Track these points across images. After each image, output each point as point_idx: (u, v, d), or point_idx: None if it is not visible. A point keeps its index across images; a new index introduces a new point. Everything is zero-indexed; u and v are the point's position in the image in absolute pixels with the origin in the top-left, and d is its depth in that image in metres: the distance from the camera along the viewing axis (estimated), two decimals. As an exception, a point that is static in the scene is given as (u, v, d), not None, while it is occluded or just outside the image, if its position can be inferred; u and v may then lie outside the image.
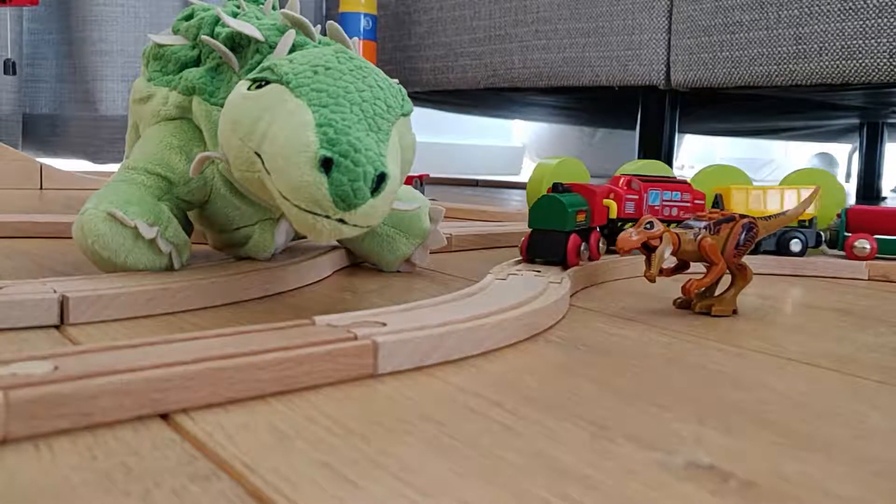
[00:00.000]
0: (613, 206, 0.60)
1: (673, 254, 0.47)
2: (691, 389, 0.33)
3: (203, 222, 0.55)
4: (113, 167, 1.49)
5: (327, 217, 0.42)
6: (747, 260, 0.54)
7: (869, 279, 0.65)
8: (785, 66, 1.03)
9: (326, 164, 0.41)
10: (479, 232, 0.75)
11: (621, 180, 0.63)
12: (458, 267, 0.63)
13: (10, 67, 1.16)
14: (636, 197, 0.62)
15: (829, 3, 0.98)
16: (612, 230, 0.61)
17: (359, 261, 0.61)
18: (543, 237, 0.53)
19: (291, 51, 0.48)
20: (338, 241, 0.59)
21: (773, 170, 3.67)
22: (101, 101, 1.47)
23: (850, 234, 0.67)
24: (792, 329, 0.45)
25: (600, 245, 0.58)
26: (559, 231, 0.52)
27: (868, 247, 0.65)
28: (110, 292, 0.40)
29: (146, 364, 0.27)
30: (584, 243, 0.54)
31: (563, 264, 0.52)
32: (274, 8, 0.56)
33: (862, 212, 0.67)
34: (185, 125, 0.53)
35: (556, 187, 0.53)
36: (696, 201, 0.66)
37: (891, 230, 0.66)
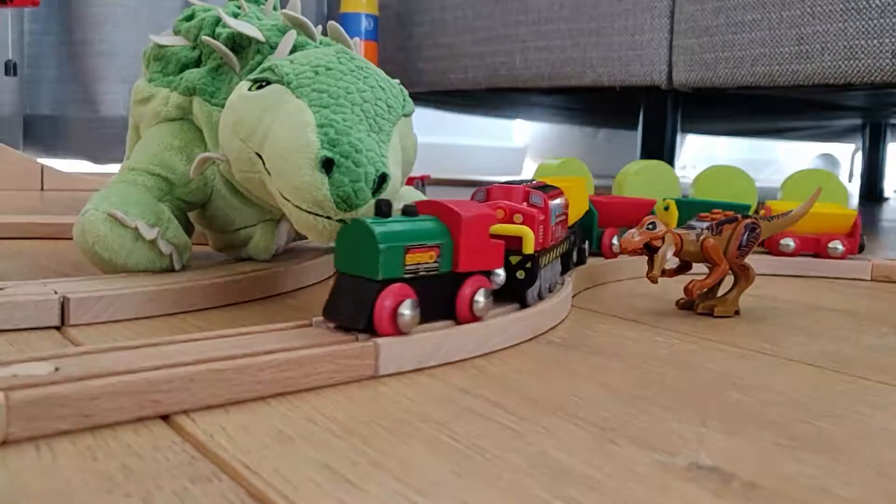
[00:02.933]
0: (528, 235, 0.39)
1: (675, 255, 0.47)
2: (693, 390, 0.33)
3: (204, 223, 0.55)
4: (114, 168, 1.49)
5: (328, 218, 0.42)
6: (749, 260, 0.54)
7: (871, 279, 0.65)
8: (787, 67, 1.03)
9: (327, 165, 0.41)
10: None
11: (513, 193, 0.43)
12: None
13: (11, 68, 1.16)
14: (543, 216, 0.41)
15: (831, 4, 0.98)
16: (527, 272, 0.40)
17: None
18: (347, 287, 0.34)
19: (292, 51, 0.48)
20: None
21: (775, 170, 3.67)
22: (101, 102, 1.47)
23: (603, 229, 0.61)
24: (794, 330, 0.45)
25: (477, 303, 0.36)
26: (367, 280, 0.33)
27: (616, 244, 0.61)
28: (111, 293, 0.40)
29: (147, 365, 0.27)
30: (420, 302, 0.34)
31: (370, 332, 0.33)
32: (275, 8, 0.56)
33: (607, 203, 0.61)
34: (185, 126, 0.53)
35: (408, 210, 0.36)
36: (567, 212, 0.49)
37: (636, 221, 0.62)
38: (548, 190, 0.45)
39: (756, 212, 0.67)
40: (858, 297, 0.57)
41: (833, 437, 0.28)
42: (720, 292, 0.49)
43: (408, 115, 0.47)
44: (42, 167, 1.20)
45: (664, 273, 0.48)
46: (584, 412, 0.29)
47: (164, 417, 0.27)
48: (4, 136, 1.37)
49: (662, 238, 0.46)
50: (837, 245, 0.65)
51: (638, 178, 0.72)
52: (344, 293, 0.34)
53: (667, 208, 0.65)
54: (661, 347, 0.40)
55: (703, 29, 1.12)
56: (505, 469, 0.24)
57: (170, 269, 0.47)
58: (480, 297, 0.36)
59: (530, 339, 0.40)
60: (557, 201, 0.45)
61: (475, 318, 0.36)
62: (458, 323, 0.36)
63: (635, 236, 0.45)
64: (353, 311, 0.33)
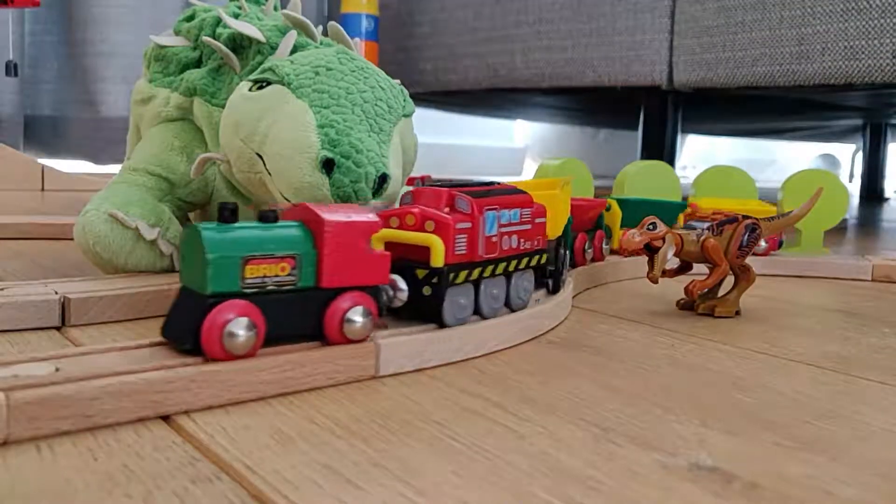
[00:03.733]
0: (437, 245, 0.35)
1: (676, 255, 0.47)
2: (694, 391, 0.33)
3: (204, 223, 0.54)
4: (114, 168, 1.49)
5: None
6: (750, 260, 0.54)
7: (872, 280, 0.65)
8: (787, 67, 1.03)
9: (328, 165, 0.41)
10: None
11: (435, 196, 0.38)
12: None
13: (11, 69, 1.16)
14: (469, 224, 0.36)
15: (831, 4, 0.98)
16: (434, 288, 0.35)
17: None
18: (184, 301, 0.30)
19: (293, 51, 0.48)
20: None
21: (776, 171, 3.66)
22: (102, 103, 1.47)
23: (575, 235, 0.57)
24: (795, 330, 0.45)
25: (351, 323, 0.31)
26: (198, 295, 0.29)
27: None
28: (112, 294, 0.40)
29: (147, 366, 0.27)
30: (269, 321, 0.30)
31: (199, 354, 0.29)
32: (276, 9, 0.56)
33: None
34: (186, 126, 0.53)
35: (265, 215, 0.31)
36: (538, 220, 0.41)
37: (589, 223, 0.60)
38: (498, 194, 0.39)
39: (682, 209, 0.66)
40: (859, 298, 0.56)
41: (834, 437, 0.28)
42: (721, 293, 0.49)
43: (408, 116, 0.47)
44: (43, 167, 1.20)
45: (665, 273, 0.48)
46: (584, 412, 0.29)
47: (165, 418, 0.27)
48: (5, 136, 1.37)
49: (663, 238, 0.46)
50: (761, 242, 0.64)
51: (638, 179, 0.72)
52: (180, 308, 0.30)
53: (608, 208, 0.61)
54: (662, 348, 0.40)
55: (704, 29, 1.12)
56: (505, 469, 0.24)
57: (170, 270, 0.47)
58: (357, 317, 0.31)
59: (531, 340, 0.40)
60: (511, 210, 0.39)
61: (348, 341, 0.31)
62: (328, 345, 0.31)
63: (636, 237, 0.45)
64: (182, 328, 0.29)
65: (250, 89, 0.44)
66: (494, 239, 0.38)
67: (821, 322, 0.48)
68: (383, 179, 0.42)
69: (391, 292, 0.34)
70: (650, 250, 0.46)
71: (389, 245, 0.36)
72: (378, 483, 0.22)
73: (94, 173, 1.40)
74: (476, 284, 0.37)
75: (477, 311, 0.37)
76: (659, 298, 0.53)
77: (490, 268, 0.38)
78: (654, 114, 1.31)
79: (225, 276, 0.29)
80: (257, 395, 0.29)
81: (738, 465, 0.25)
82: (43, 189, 1.20)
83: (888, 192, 2.21)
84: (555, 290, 0.45)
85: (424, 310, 0.35)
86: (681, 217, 0.66)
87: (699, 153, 3.53)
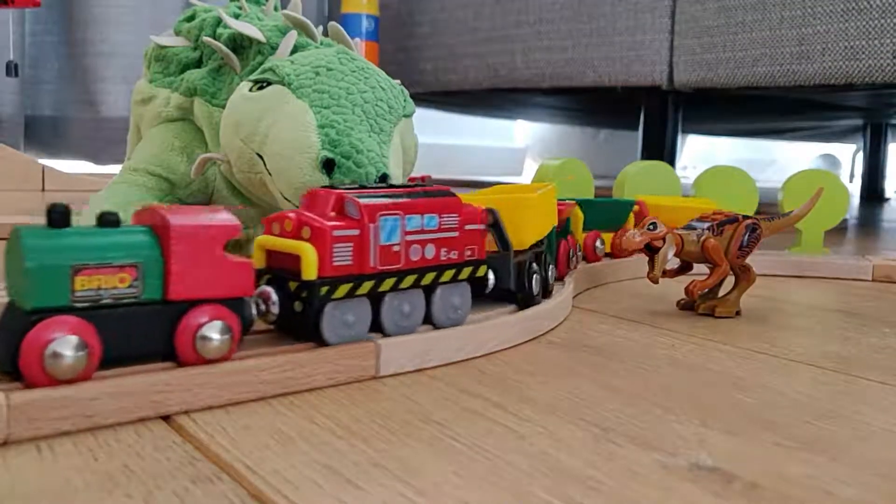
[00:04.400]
0: (308, 255, 0.30)
1: (676, 255, 0.47)
2: (694, 391, 0.33)
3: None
4: (114, 168, 1.49)
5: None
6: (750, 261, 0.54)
7: (872, 280, 0.65)
8: (788, 67, 1.03)
9: (328, 166, 0.41)
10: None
11: (324, 199, 0.33)
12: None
13: (12, 69, 1.16)
14: (355, 232, 0.32)
15: (832, 4, 0.98)
16: (305, 304, 0.31)
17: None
18: (7, 317, 0.26)
19: (293, 52, 0.48)
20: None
21: (777, 171, 3.67)
22: (102, 103, 1.47)
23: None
24: (795, 330, 0.45)
25: (206, 340, 0.28)
26: (19, 311, 0.25)
27: None
28: (112, 294, 0.40)
29: (148, 366, 0.27)
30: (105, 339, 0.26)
31: (19, 378, 0.25)
32: (276, 9, 0.56)
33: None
34: (186, 126, 0.53)
35: (104, 219, 0.27)
36: (470, 226, 0.36)
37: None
38: (413, 197, 0.34)
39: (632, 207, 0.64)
40: (859, 298, 0.56)
41: (834, 437, 0.28)
42: (721, 293, 0.49)
43: (408, 116, 0.47)
44: (43, 168, 1.20)
45: (665, 273, 0.48)
46: (584, 412, 0.29)
47: (165, 418, 0.27)
48: (5, 136, 1.37)
49: (663, 238, 0.46)
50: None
51: (639, 179, 0.72)
52: (3, 325, 0.26)
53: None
54: (662, 348, 0.40)
55: (704, 29, 1.12)
56: (506, 469, 0.24)
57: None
58: (213, 334, 0.28)
59: (531, 340, 0.40)
60: (425, 215, 0.34)
61: (205, 360, 0.28)
62: (181, 365, 0.28)
63: (636, 237, 0.45)
64: (2, 349, 0.25)
65: (251, 89, 0.44)
66: (396, 248, 0.33)
67: (821, 322, 0.48)
68: (383, 179, 0.42)
69: (262, 306, 0.31)
70: (650, 250, 0.46)
71: (272, 253, 0.32)
72: (378, 483, 0.22)
73: (95, 173, 1.40)
74: (376, 299, 0.33)
75: (379, 329, 0.33)
76: (659, 298, 0.53)
77: (391, 281, 0.33)
78: (655, 114, 1.31)
79: (49, 288, 0.25)
80: (257, 396, 0.29)
81: (738, 465, 0.25)
82: (43, 189, 1.20)
83: (888, 193, 2.21)
84: (526, 305, 0.40)
85: (296, 327, 0.31)
86: (631, 216, 0.64)
87: (699, 153, 3.53)
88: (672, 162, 1.28)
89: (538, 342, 0.40)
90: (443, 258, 0.35)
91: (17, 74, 1.20)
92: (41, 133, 1.52)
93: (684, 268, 0.50)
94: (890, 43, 0.93)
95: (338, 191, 0.33)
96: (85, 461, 0.23)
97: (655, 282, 0.46)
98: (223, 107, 0.49)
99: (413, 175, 1.00)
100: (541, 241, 0.45)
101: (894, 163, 2.36)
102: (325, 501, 0.21)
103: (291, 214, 0.32)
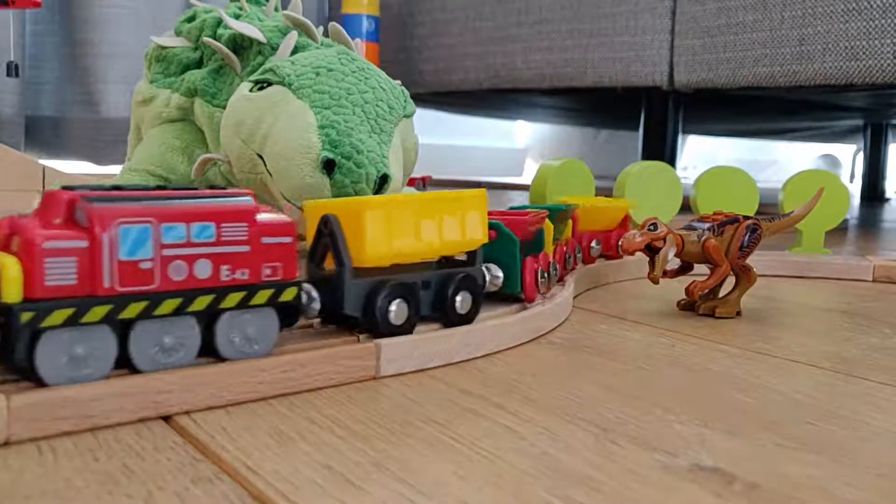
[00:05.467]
0: (9, 270, 0.25)
1: (676, 255, 0.47)
2: (695, 391, 0.32)
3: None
4: (115, 169, 1.49)
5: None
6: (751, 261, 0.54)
7: (873, 280, 0.65)
8: (788, 67, 1.03)
9: (329, 166, 0.41)
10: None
11: (55, 202, 0.27)
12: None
13: (12, 69, 1.16)
14: (83, 243, 0.26)
15: (832, 4, 0.98)
16: (3, 332, 0.25)
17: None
18: None
19: (294, 52, 0.48)
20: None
21: (777, 171, 3.66)
22: (103, 103, 1.47)
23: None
24: (796, 331, 0.45)
25: None
26: None
27: None
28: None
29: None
30: None
31: None
32: (276, 9, 0.56)
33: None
34: (187, 127, 0.53)
35: None
36: (269, 239, 0.30)
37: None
38: (181, 199, 0.28)
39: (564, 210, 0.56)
40: (860, 298, 0.56)
41: (834, 438, 0.28)
42: (722, 293, 0.49)
43: (409, 116, 0.47)
44: (43, 168, 1.20)
45: (665, 274, 0.48)
46: (585, 413, 0.29)
47: (166, 418, 0.27)
48: (6, 136, 1.37)
49: (664, 239, 0.46)
50: (596, 244, 0.58)
51: (639, 180, 0.72)
52: None
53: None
54: (663, 348, 0.40)
55: (705, 30, 1.12)
56: (506, 470, 0.24)
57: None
58: None
59: (531, 340, 0.40)
60: (194, 224, 0.28)
61: None
62: None
63: (637, 237, 0.45)
64: None
65: (251, 90, 0.44)
66: (147, 265, 0.27)
67: (822, 322, 0.48)
68: (384, 180, 0.42)
69: None
70: (651, 251, 0.46)
71: None
72: (378, 483, 0.22)
73: (95, 174, 1.40)
74: (123, 326, 0.27)
75: (129, 363, 0.27)
76: (660, 299, 0.53)
77: (138, 306, 0.27)
78: (655, 114, 1.31)
79: None
80: (258, 396, 0.29)
81: (738, 465, 0.25)
82: (43, 190, 1.20)
83: (889, 193, 2.21)
84: (378, 335, 0.33)
85: (7, 360, 0.26)
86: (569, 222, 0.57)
87: (700, 154, 3.53)
88: (672, 162, 1.28)
89: (539, 342, 0.40)
90: (225, 278, 0.29)
91: (17, 75, 1.19)
92: (41, 133, 1.52)
93: (685, 268, 0.50)
94: (890, 43, 0.93)
95: (74, 192, 0.27)
96: (85, 461, 0.23)
97: (656, 282, 0.46)
98: (224, 107, 0.49)
99: (413, 175, 1.00)
100: (451, 261, 0.38)
101: (895, 163, 2.36)
102: (325, 502, 0.21)
103: (4, 221, 0.26)
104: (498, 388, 0.32)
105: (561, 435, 0.27)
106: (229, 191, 0.29)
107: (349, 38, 0.50)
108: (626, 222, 0.63)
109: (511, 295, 0.41)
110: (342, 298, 0.32)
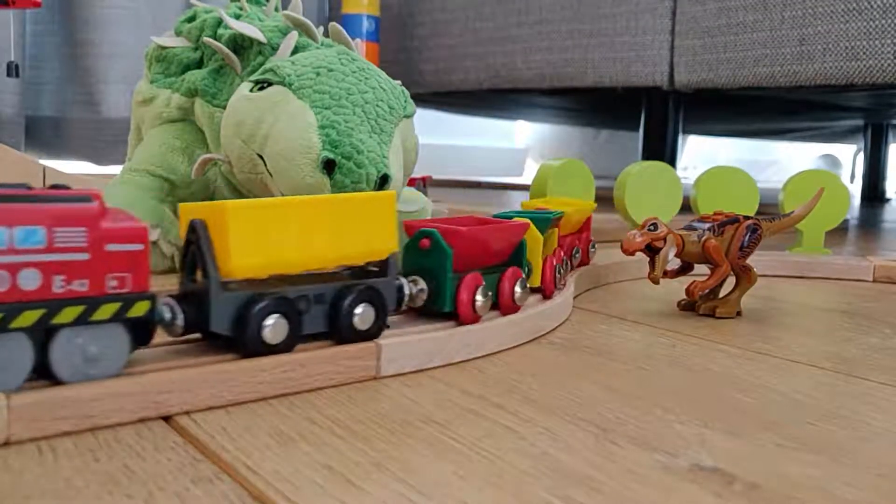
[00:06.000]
0: None
1: (677, 255, 0.47)
2: (695, 391, 0.32)
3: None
4: (115, 169, 1.49)
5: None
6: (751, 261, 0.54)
7: (873, 280, 0.65)
8: (789, 67, 1.03)
9: (329, 166, 0.41)
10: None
11: None
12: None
13: (13, 70, 1.16)
14: None
15: (833, 4, 0.98)
16: None
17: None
18: None
19: (294, 52, 0.48)
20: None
21: (777, 171, 3.67)
22: (103, 104, 1.47)
23: (459, 277, 0.39)
24: (796, 331, 0.45)
25: None
26: None
27: None
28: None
29: (148, 367, 0.27)
30: None
31: None
32: (276, 9, 0.56)
33: (458, 234, 0.37)
34: (187, 127, 0.53)
35: None
36: (115, 246, 0.26)
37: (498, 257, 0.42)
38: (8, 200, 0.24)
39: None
40: (860, 299, 0.56)
41: (835, 438, 0.28)
42: (722, 293, 0.49)
43: (409, 117, 0.47)
44: (44, 168, 1.20)
45: (666, 274, 0.48)
46: (585, 413, 0.29)
47: (166, 418, 0.27)
48: (6, 137, 1.37)
49: (664, 239, 0.46)
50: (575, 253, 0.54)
51: (639, 180, 0.72)
52: None
53: None
54: (663, 348, 0.40)
55: (705, 30, 1.12)
56: (506, 470, 0.24)
57: (172, 271, 0.47)
58: None
59: (531, 341, 0.40)
60: (17, 228, 0.24)
61: None
62: None
63: (637, 237, 0.45)
64: None
65: (251, 90, 0.44)
66: None
67: (822, 323, 0.48)
68: (384, 180, 0.42)
69: None
70: (651, 251, 0.46)
71: None
72: (379, 483, 0.22)
73: (96, 174, 1.40)
74: None
75: None
76: (660, 299, 0.53)
77: None
78: (655, 114, 1.31)
79: None
80: (258, 396, 0.29)
81: (738, 465, 0.25)
82: (44, 190, 1.20)
83: (889, 193, 2.21)
84: (252, 355, 0.29)
85: None
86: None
87: (700, 154, 3.53)
88: (673, 162, 1.28)
89: (539, 343, 0.40)
90: (59, 290, 0.25)
91: (17, 75, 1.20)
92: (42, 133, 1.52)
93: (685, 268, 0.50)
94: (891, 43, 0.93)
95: None
96: (86, 461, 0.23)
97: (656, 282, 0.46)
98: (224, 107, 0.49)
99: (414, 176, 1.00)
100: (368, 272, 0.34)
101: (895, 163, 2.36)
102: (325, 502, 0.21)
103: None
104: (498, 389, 0.32)
105: (561, 435, 0.27)
106: (71, 191, 0.26)
107: (349, 39, 0.50)
108: (588, 225, 0.57)
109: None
110: (209, 314, 0.29)
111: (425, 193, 1.00)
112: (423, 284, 0.35)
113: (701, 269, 0.49)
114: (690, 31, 1.14)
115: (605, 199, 0.80)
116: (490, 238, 0.38)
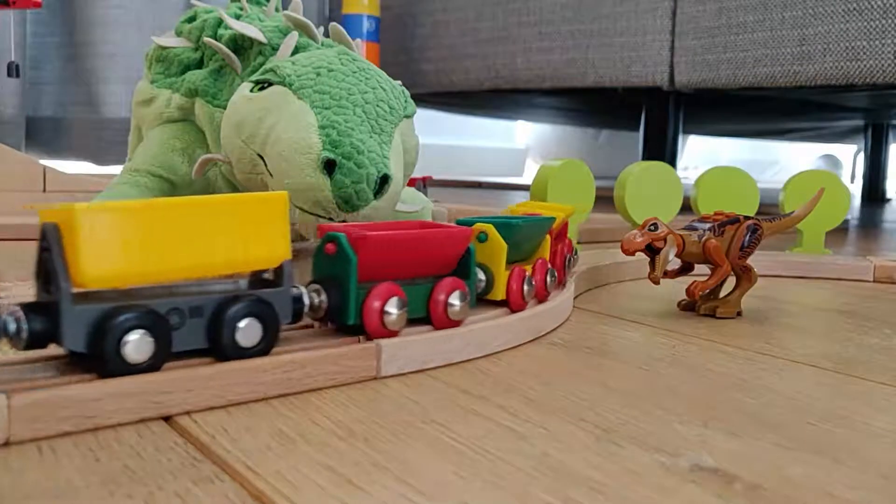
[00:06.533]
0: None
1: (677, 256, 0.47)
2: (695, 392, 0.32)
3: (206, 224, 0.55)
4: (116, 169, 1.49)
5: (330, 219, 0.42)
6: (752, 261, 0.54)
7: (874, 281, 0.65)
8: (789, 68, 1.03)
9: (329, 166, 0.41)
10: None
11: None
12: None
13: (13, 70, 1.16)
14: None
15: (833, 4, 0.98)
16: None
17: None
18: None
19: (294, 53, 0.48)
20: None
21: (778, 171, 3.67)
22: (104, 104, 1.47)
23: (367, 288, 0.35)
24: (796, 331, 0.45)
25: None
26: None
27: None
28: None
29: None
30: None
31: None
32: (277, 10, 0.56)
33: (369, 240, 0.33)
34: (187, 127, 0.53)
35: None
36: None
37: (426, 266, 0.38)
38: None
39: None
40: (860, 299, 0.56)
41: (836, 438, 0.28)
42: (722, 293, 0.49)
43: (409, 117, 0.47)
44: (44, 168, 1.20)
45: (666, 274, 0.48)
46: (585, 413, 0.29)
47: (167, 418, 0.27)
48: (7, 137, 1.37)
49: (664, 239, 0.46)
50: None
51: (640, 180, 0.72)
52: None
53: (484, 239, 0.39)
54: (663, 349, 0.40)
55: (705, 30, 1.12)
56: (507, 470, 0.24)
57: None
58: None
59: (532, 341, 0.40)
60: None
61: None
62: None
63: (637, 237, 0.45)
64: None
65: (252, 90, 0.44)
66: None
67: (822, 323, 0.48)
68: (384, 180, 0.42)
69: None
70: (652, 251, 0.46)
71: None
72: (379, 484, 0.22)
73: (96, 174, 1.41)
74: None
75: None
76: (660, 299, 0.53)
77: None
78: (656, 114, 1.31)
79: None
80: (259, 396, 0.29)
81: (739, 466, 0.25)
82: (45, 190, 1.20)
83: (889, 193, 2.21)
84: (107, 375, 0.26)
85: None
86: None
87: (700, 154, 3.52)
88: (673, 162, 1.28)
89: (539, 343, 0.40)
90: None
91: (18, 75, 1.20)
92: (42, 134, 1.52)
93: (685, 268, 0.50)
94: (891, 43, 0.93)
95: None
96: (86, 462, 0.23)
97: (657, 282, 0.46)
98: (224, 107, 0.49)
99: (414, 176, 1.00)
100: (263, 282, 0.32)
101: (895, 164, 2.36)
102: (326, 502, 0.21)
103: None
104: (499, 389, 0.32)
105: (561, 435, 0.27)
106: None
107: (350, 39, 0.50)
108: (565, 232, 0.49)
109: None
110: (59, 330, 0.26)
111: (425, 194, 1.00)
112: (322, 296, 0.32)
113: (701, 270, 0.49)
114: (691, 32, 1.14)
115: (605, 199, 0.80)
116: (411, 245, 0.33)
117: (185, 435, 0.26)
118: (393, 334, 0.33)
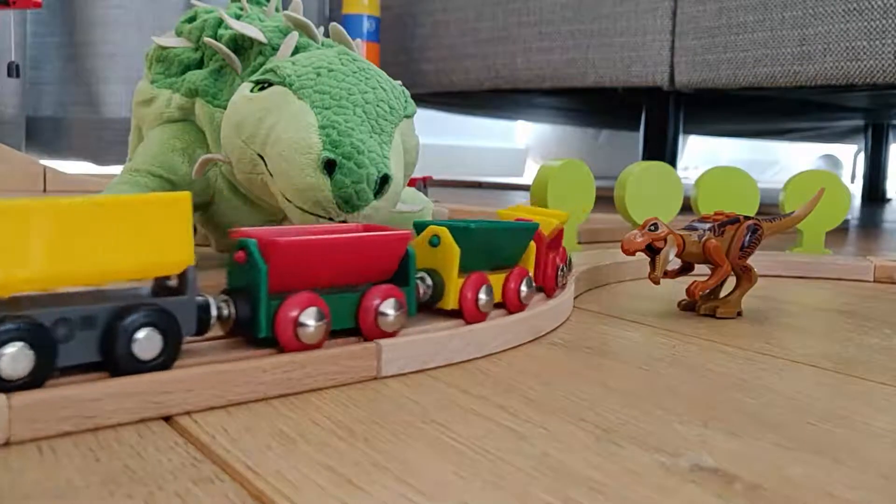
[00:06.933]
0: None
1: (677, 256, 0.47)
2: (696, 392, 0.32)
3: (206, 225, 0.55)
4: (116, 169, 1.49)
5: (330, 219, 0.42)
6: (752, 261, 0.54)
7: (874, 281, 0.65)
8: (789, 68, 1.03)
9: (329, 166, 0.41)
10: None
11: None
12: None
13: (13, 70, 1.16)
14: None
15: (833, 5, 0.98)
16: None
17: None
18: None
19: (294, 53, 0.48)
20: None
21: (778, 171, 3.66)
22: (104, 104, 1.47)
23: (279, 300, 0.33)
24: (797, 331, 0.45)
25: None
26: None
27: None
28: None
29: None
30: None
31: None
32: (277, 10, 0.56)
33: (290, 246, 0.32)
34: (187, 127, 0.53)
35: None
36: None
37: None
38: None
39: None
40: (861, 299, 0.56)
41: (836, 438, 0.28)
42: (722, 293, 0.49)
43: (409, 117, 0.47)
44: (45, 168, 1.20)
45: (666, 274, 0.48)
46: (586, 413, 0.29)
47: (167, 418, 0.27)
48: (7, 137, 1.37)
49: (664, 239, 0.46)
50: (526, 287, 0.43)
51: (640, 180, 0.72)
52: None
53: (436, 243, 0.37)
54: (664, 349, 0.40)
55: (705, 30, 1.12)
56: (507, 470, 0.24)
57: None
58: None
59: (532, 341, 0.40)
60: None
61: None
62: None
63: (637, 237, 0.45)
64: None
65: (252, 90, 0.44)
66: None
67: (822, 323, 0.48)
68: (385, 180, 0.42)
69: None
70: (652, 251, 0.46)
71: None
72: (379, 484, 0.22)
73: (96, 174, 1.41)
74: None
75: None
76: (660, 299, 0.53)
77: None
78: (656, 114, 1.31)
79: None
80: (259, 396, 0.29)
81: (739, 466, 0.25)
82: (45, 190, 1.20)
83: (890, 193, 2.21)
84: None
85: None
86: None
87: (701, 154, 3.52)
88: (673, 162, 1.28)
89: (539, 343, 0.40)
90: None
91: (18, 75, 1.20)
92: (42, 134, 1.52)
93: (685, 268, 0.50)
94: (891, 43, 0.93)
95: None
96: (86, 462, 0.23)
97: (657, 282, 0.46)
98: (224, 108, 0.49)
99: (414, 176, 1.00)
100: (168, 289, 0.29)
101: (895, 164, 2.36)
102: (326, 502, 0.21)
103: None
104: (499, 389, 0.32)
105: (561, 435, 0.27)
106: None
107: (350, 39, 0.50)
108: (560, 240, 0.45)
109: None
110: None
111: (426, 194, 1.00)
112: (231, 307, 0.30)
113: (701, 270, 0.49)
114: (691, 32, 1.14)
115: (605, 199, 0.80)
116: (332, 251, 0.31)
117: (186, 435, 0.26)
118: (310, 348, 0.30)
